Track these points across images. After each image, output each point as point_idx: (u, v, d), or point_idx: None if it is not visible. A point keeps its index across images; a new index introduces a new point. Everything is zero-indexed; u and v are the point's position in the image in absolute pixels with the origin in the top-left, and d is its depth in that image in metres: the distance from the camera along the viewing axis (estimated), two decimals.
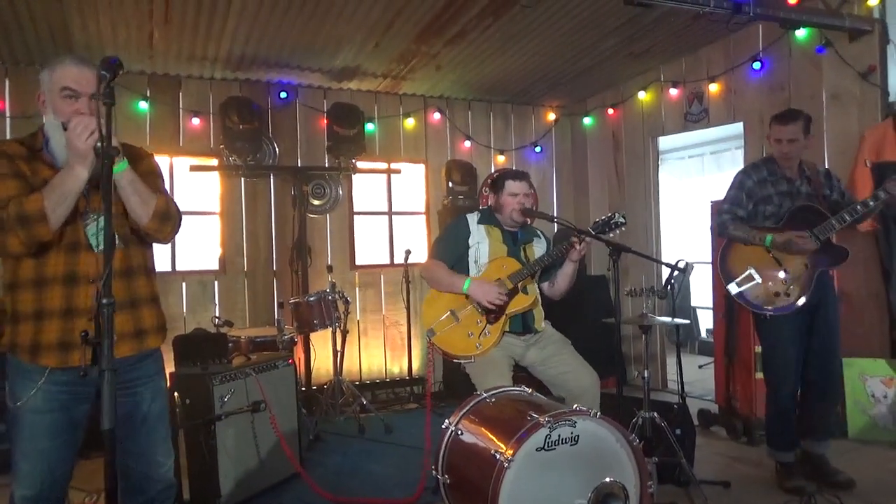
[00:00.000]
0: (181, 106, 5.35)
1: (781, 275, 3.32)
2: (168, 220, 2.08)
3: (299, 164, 5.68)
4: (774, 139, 3.40)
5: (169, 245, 4.15)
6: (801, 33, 4.69)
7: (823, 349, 3.39)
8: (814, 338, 3.39)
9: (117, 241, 2.02)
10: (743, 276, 3.39)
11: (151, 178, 2.13)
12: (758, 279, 3.36)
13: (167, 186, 2.47)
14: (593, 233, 3.13)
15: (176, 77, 5.31)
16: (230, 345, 4.21)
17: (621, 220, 3.15)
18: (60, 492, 2.06)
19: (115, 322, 1.97)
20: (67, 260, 1.98)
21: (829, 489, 3.21)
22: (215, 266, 5.48)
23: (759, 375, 4.23)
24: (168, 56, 4.88)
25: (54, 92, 1.95)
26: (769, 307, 3.35)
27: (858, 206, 3.23)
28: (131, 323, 2.09)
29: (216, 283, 5.44)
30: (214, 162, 5.37)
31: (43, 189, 1.88)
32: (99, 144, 1.76)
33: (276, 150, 5.62)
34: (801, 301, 3.29)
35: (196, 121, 5.36)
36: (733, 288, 3.41)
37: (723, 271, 3.48)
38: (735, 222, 3.44)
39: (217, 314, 5.12)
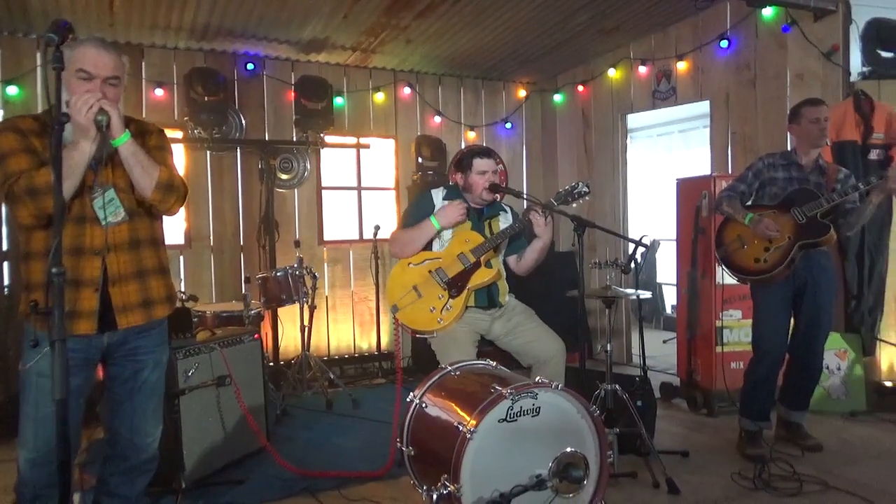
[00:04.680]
0: (144, 76, 5.21)
1: (764, 244, 3.48)
2: (171, 192, 2.15)
3: (266, 138, 5.60)
4: (812, 119, 3.45)
5: None
6: (767, 12, 4.74)
7: (809, 325, 3.52)
8: (801, 313, 3.53)
9: (122, 214, 2.10)
10: (731, 241, 3.60)
11: (158, 151, 2.21)
12: (743, 246, 3.55)
13: None
14: (556, 204, 3.15)
15: (138, 46, 5.16)
16: (195, 319, 4.18)
17: (585, 189, 3.17)
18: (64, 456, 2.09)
19: (124, 292, 2.11)
20: (74, 232, 2.05)
21: (798, 449, 3.55)
22: (180, 240, 5.39)
23: (720, 349, 4.34)
24: (129, 24, 4.74)
25: (70, 72, 1.98)
26: (748, 273, 3.54)
27: (849, 188, 3.35)
28: (139, 293, 2.17)
29: (181, 257, 5.36)
30: (179, 134, 5.26)
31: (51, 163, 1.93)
32: (100, 118, 1.90)
33: (243, 122, 5.53)
34: (777, 269, 3.42)
35: (159, 91, 5.23)
36: (721, 252, 3.64)
37: (717, 238, 3.70)
38: (730, 199, 3.62)
39: (182, 289, 5.05)
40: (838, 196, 3.33)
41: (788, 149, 3.70)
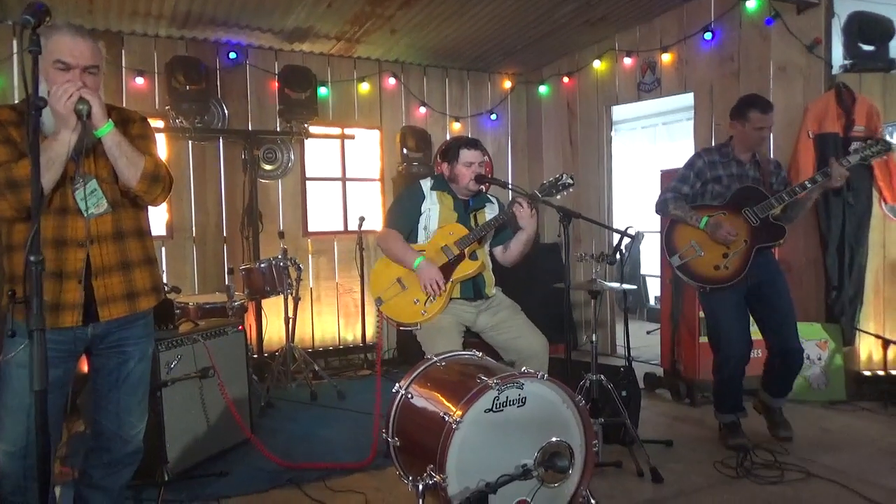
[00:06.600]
0: (124, 64, 5.12)
1: (721, 249, 3.42)
2: (157, 182, 2.11)
3: (250, 128, 5.54)
4: (757, 127, 3.40)
5: None
6: (751, 4, 4.76)
7: (780, 319, 3.48)
8: (767, 308, 3.50)
9: (106, 205, 2.07)
10: (685, 249, 3.50)
11: (142, 140, 2.15)
12: (700, 252, 3.47)
13: None
14: (540, 196, 3.14)
15: (118, 34, 5.07)
16: (178, 311, 4.14)
17: (569, 181, 3.17)
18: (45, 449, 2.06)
19: (108, 284, 2.09)
20: (57, 224, 2.02)
21: (770, 438, 3.55)
22: (162, 231, 5.32)
23: (703, 340, 4.37)
24: (109, 11, 4.65)
25: (48, 62, 1.93)
26: (708, 282, 3.46)
27: (797, 188, 3.34)
28: (123, 285, 2.14)
29: (163, 248, 5.29)
30: (160, 124, 5.18)
31: None
32: (80, 107, 1.86)
33: (226, 112, 5.46)
34: (739, 276, 3.39)
35: (140, 80, 5.15)
36: (676, 261, 3.53)
37: (667, 244, 3.59)
38: (676, 201, 3.54)
39: (164, 280, 4.99)
40: (788, 196, 3.33)
41: (724, 141, 3.63)
